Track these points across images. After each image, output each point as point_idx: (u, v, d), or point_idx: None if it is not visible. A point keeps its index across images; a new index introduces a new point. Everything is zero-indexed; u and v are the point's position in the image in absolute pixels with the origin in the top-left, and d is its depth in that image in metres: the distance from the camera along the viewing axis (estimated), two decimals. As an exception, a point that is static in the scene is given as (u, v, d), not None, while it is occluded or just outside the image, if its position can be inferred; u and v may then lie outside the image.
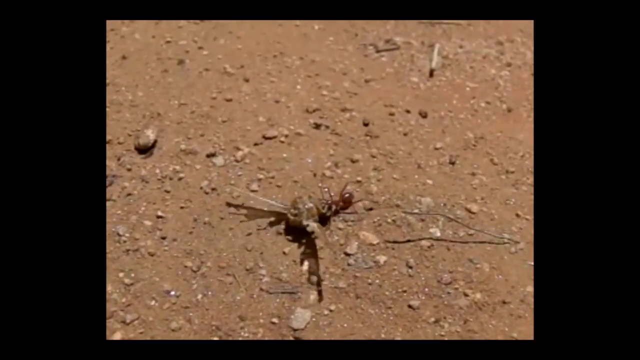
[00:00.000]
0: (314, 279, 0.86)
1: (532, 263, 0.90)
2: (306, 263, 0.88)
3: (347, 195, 0.95)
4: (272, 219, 0.94)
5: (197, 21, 1.44)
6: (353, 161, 1.05)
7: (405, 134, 1.13)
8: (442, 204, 0.98)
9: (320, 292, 0.84)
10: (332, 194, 0.95)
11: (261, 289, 0.86)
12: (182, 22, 1.44)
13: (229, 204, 0.96)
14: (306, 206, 0.89)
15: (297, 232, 0.91)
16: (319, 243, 0.89)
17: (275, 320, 0.81)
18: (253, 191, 0.98)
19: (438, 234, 0.92)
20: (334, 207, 0.94)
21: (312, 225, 0.88)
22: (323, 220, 0.93)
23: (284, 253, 0.90)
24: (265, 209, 0.95)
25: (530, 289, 0.86)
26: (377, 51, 1.39)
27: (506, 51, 1.42)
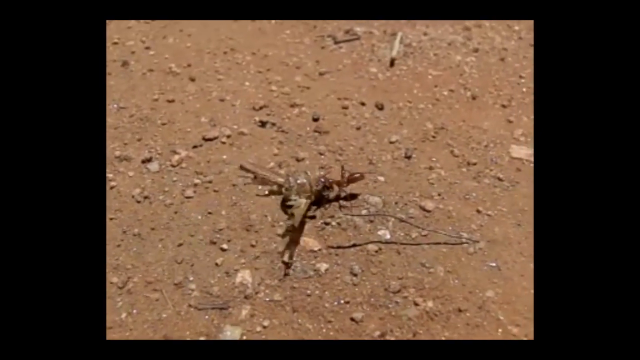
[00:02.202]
0: (286, 256, 0.81)
1: (493, 264, 0.81)
2: (287, 238, 0.83)
3: (356, 175, 0.87)
4: (275, 187, 0.89)
5: (148, 20, 1.37)
6: (298, 160, 0.96)
7: (358, 128, 1.04)
8: (393, 203, 0.89)
9: (287, 266, 0.79)
10: (343, 174, 0.88)
11: (189, 305, 0.77)
12: (132, 22, 1.36)
13: (241, 167, 0.93)
14: (298, 181, 0.83)
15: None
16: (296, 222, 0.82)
17: (202, 339, 0.73)
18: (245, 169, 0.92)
19: (388, 237, 0.83)
20: (335, 188, 0.87)
21: (298, 202, 0.82)
22: (319, 201, 0.87)
23: (216, 264, 0.81)
24: (272, 178, 0.89)
25: (490, 293, 0.77)
26: (336, 42, 1.30)
27: (473, 37, 1.33)
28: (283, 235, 0.83)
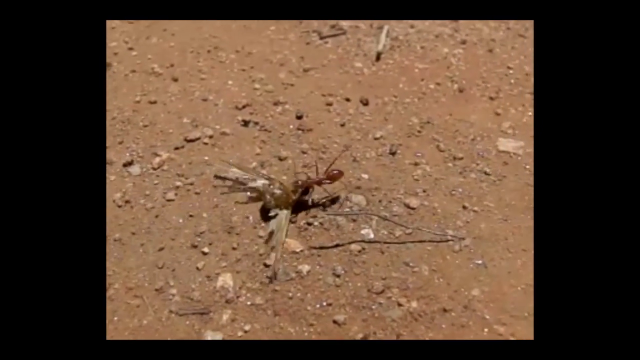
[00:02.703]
0: (273, 252, 0.80)
1: (479, 261, 0.79)
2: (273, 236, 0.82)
3: (335, 172, 0.85)
4: (254, 194, 0.87)
5: (132, 21, 1.35)
6: (281, 159, 0.95)
7: (342, 125, 1.02)
8: (377, 201, 0.87)
9: (275, 275, 0.78)
10: (317, 173, 0.87)
11: (170, 311, 0.76)
12: (115, 23, 1.34)
13: (216, 176, 0.91)
14: (274, 195, 0.83)
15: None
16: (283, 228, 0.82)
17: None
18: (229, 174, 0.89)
19: (371, 236, 0.82)
20: (315, 188, 0.85)
21: (279, 215, 0.82)
22: (300, 205, 0.86)
23: (197, 268, 0.80)
24: (249, 184, 0.88)
25: (476, 292, 0.76)
26: (321, 37, 1.28)
27: (461, 28, 1.30)
28: (266, 241, 0.82)
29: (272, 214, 0.83)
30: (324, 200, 0.86)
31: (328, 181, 0.86)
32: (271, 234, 0.81)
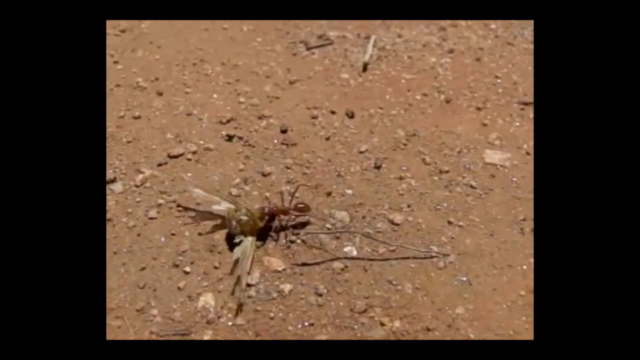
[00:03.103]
0: (237, 292, 0.77)
1: (464, 278, 0.78)
2: (237, 269, 0.79)
3: (301, 205, 0.83)
4: (218, 222, 0.85)
5: (119, 32, 1.34)
6: (264, 175, 0.94)
7: (327, 139, 1.01)
8: (361, 217, 0.86)
9: (240, 307, 0.75)
10: (283, 201, 0.85)
11: (151, 332, 0.75)
12: (102, 36, 1.34)
13: (179, 205, 0.89)
14: (240, 221, 0.80)
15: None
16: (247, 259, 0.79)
17: (163, 369, 0.70)
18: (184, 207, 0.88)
19: (354, 253, 0.81)
20: (281, 217, 0.83)
21: (237, 250, 0.79)
22: (268, 230, 0.83)
23: (178, 288, 0.79)
24: (214, 211, 0.86)
25: (460, 310, 0.74)
26: (308, 48, 1.27)
27: (449, 37, 1.30)
28: (231, 271, 0.79)
29: (236, 240, 0.80)
30: (291, 228, 0.84)
31: (295, 213, 0.83)
32: (236, 262, 0.79)
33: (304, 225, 0.85)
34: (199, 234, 0.85)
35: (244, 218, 0.81)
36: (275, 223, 0.83)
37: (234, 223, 0.80)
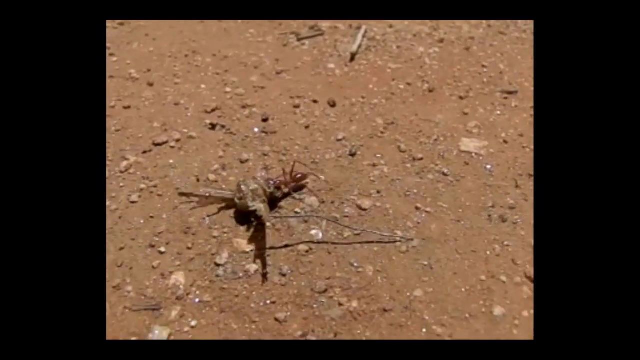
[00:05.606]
0: (260, 263, 0.81)
1: (425, 262, 0.79)
2: (254, 246, 0.83)
3: (298, 175, 0.89)
4: (223, 204, 0.90)
5: (116, 25, 1.40)
6: (242, 162, 0.97)
7: (307, 127, 1.03)
8: (330, 202, 0.88)
9: (265, 276, 0.79)
10: (283, 174, 0.90)
11: (125, 307, 0.79)
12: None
13: (181, 194, 0.93)
14: (250, 187, 0.85)
15: (247, 218, 0.87)
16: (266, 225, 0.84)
17: (134, 339, 0.75)
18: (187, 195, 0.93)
19: (320, 237, 0.83)
20: (283, 188, 0.89)
21: (259, 206, 0.82)
22: (273, 202, 0.88)
23: (152, 267, 0.83)
24: (216, 194, 0.90)
25: (419, 292, 0.76)
26: (299, 39, 1.30)
27: (441, 26, 1.30)
28: (249, 242, 0.84)
29: (251, 206, 0.83)
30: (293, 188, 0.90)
31: (294, 183, 0.89)
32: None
33: (302, 188, 0.91)
34: (208, 215, 0.89)
35: (255, 186, 0.85)
36: (279, 193, 0.89)
37: (245, 189, 0.85)
